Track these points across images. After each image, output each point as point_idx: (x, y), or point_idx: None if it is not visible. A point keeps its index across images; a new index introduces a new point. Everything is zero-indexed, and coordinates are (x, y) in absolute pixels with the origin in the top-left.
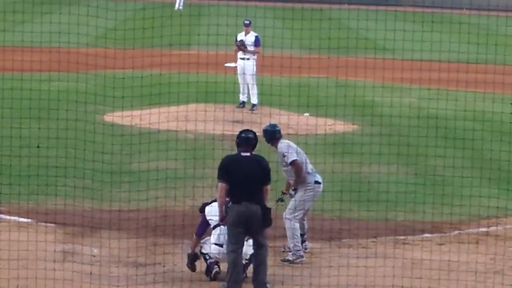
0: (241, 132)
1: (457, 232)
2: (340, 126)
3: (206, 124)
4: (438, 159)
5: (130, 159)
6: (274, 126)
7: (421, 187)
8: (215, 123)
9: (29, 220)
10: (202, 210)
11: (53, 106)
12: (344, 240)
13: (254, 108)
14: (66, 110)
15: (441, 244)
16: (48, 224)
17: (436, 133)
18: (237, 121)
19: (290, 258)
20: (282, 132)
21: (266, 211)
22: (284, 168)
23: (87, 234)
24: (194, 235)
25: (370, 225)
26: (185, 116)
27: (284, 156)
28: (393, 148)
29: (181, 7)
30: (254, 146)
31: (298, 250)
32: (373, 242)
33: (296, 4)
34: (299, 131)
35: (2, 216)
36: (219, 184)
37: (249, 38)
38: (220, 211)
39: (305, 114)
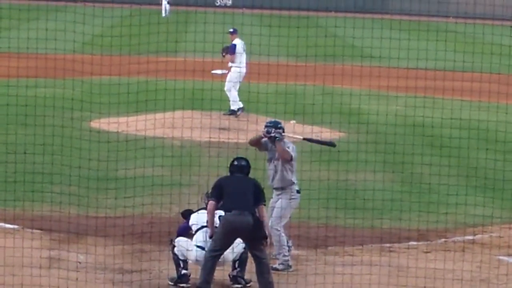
0: (234, 160)
1: (443, 240)
2: (326, 134)
3: (193, 131)
4: (424, 167)
5: (117, 166)
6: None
7: (407, 195)
8: (201, 130)
9: (15, 226)
10: (185, 216)
11: (39, 112)
12: (330, 247)
13: (230, 114)
14: (53, 117)
15: (427, 252)
16: (34, 231)
17: (422, 141)
18: (224, 128)
19: (278, 267)
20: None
21: (258, 223)
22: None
23: (73, 241)
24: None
25: (356, 233)
26: (172, 123)
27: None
28: (380, 155)
29: (167, 14)
30: (248, 173)
31: (286, 260)
32: (359, 249)
33: (283, 12)
34: (286, 138)
35: None
36: (210, 201)
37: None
38: (211, 227)
39: (291, 122)
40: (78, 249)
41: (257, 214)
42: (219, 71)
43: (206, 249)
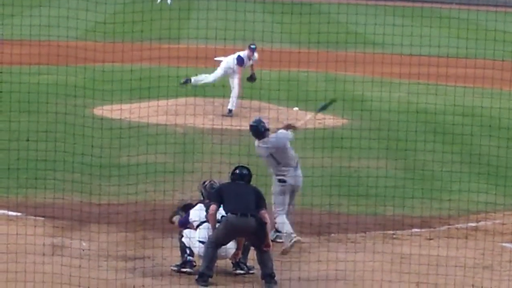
0: (235, 168)
1: (446, 227)
2: (329, 121)
3: (196, 118)
4: (427, 153)
5: (119, 153)
6: (259, 121)
7: (410, 182)
8: (204, 117)
9: (18, 213)
10: (185, 209)
11: (42, 99)
12: (333, 234)
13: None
14: (55, 104)
15: (430, 239)
16: (37, 218)
17: (425, 127)
18: (226, 115)
19: (288, 244)
20: (272, 126)
21: (262, 226)
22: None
23: (76, 228)
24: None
25: (359, 220)
26: (175, 110)
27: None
28: (383, 142)
29: (169, 1)
30: (249, 181)
31: (291, 233)
32: (362, 236)
33: None
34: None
35: None
36: (211, 205)
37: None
38: (213, 229)
39: (294, 108)
40: (81, 236)
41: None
42: (222, 58)
43: None
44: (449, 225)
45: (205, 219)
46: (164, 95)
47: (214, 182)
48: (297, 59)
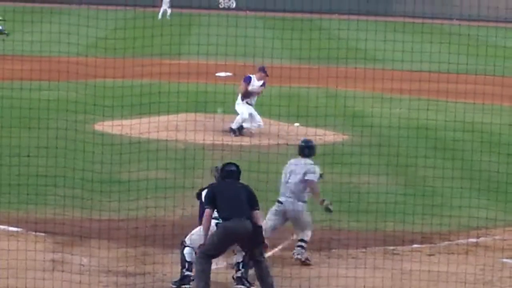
0: (224, 165)
1: (446, 242)
2: (330, 137)
3: (196, 134)
4: (427, 169)
5: (120, 169)
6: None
7: (410, 198)
8: (205, 133)
9: (19, 229)
10: (199, 196)
11: (43, 115)
12: (333, 250)
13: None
14: (56, 119)
15: (430, 255)
16: (38, 233)
17: (426, 143)
18: (227, 131)
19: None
20: (272, 142)
21: (257, 228)
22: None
23: (77, 244)
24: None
25: (359, 236)
26: (175, 125)
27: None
28: (383, 158)
29: (168, 17)
30: (238, 178)
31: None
32: (363, 252)
33: (286, 14)
34: (289, 141)
35: None
36: (206, 210)
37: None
38: (206, 235)
39: (295, 124)
40: (82, 252)
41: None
42: (223, 74)
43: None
44: (450, 241)
45: None
46: (164, 110)
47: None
48: (297, 74)
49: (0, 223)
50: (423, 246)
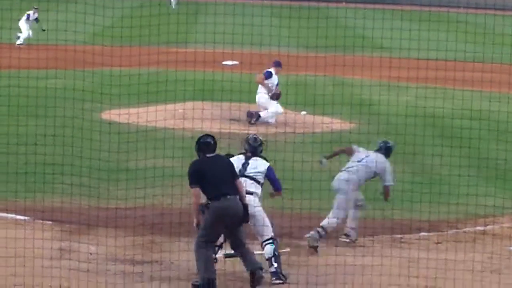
0: (199, 138)
1: (454, 230)
2: (337, 125)
3: (203, 122)
4: (435, 157)
5: (128, 157)
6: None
7: (418, 186)
8: (212, 121)
9: (26, 217)
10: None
11: (50, 103)
12: (341, 238)
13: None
14: (63, 108)
15: (438, 243)
16: (45, 222)
17: (433, 131)
18: (234, 119)
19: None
20: (279, 130)
21: (244, 205)
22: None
23: (84, 232)
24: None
25: (367, 224)
26: (182, 114)
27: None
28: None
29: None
30: (214, 150)
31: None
32: (370, 240)
33: (293, 2)
34: (296, 129)
35: (0, 213)
36: (193, 189)
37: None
38: (196, 216)
39: (302, 113)
40: (89, 240)
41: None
42: (229, 62)
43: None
44: (457, 229)
45: (238, 173)
46: (171, 99)
47: (256, 135)
48: (304, 63)
49: (7, 212)
50: (431, 234)
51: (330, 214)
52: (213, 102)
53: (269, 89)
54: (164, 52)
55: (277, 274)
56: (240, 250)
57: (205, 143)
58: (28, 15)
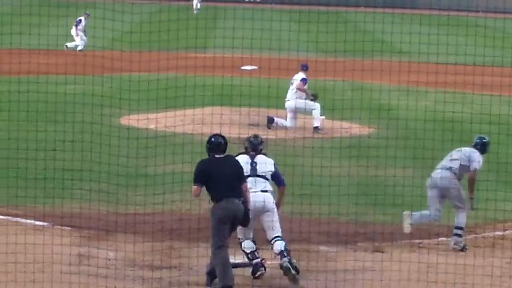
0: (211, 137)
1: (472, 235)
2: (356, 129)
3: (222, 127)
4: None
5: (146, 162)
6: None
7: None
8: (231, 126)
9: (45, 223)
10: None
11: (69, 109)
12: (360, 243)
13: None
14: (82, 113)
15: None
16: (64, 227)
17: (452, 136)
18: (253, 124)
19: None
20: (298, 135)
21: (246, 209)
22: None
23: (103, 238)
24: None
25: (386, 229)
26: (201, 119)
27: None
28: (409, 151)
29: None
30: (225, 150)
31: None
32: (389, 245)
33: (312, 7)
34: (315, 134)
35: (18, 219)
36: (194, 187)
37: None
38: None
39: (321, 117)
40: (108, 246)
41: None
42: (248, 67)
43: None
44: (476, 234)
45: (249, 173)
46: (190, 104)
47: (258, 135)
48: (323, 67)
49: (26, 217)
50: (449, 239)
51: (430, 211)
52: (232, 107)
53: (307, 94)
54: (183, 57)
55: (291, 264)
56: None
57: (217, 143)
58: (80, 20)
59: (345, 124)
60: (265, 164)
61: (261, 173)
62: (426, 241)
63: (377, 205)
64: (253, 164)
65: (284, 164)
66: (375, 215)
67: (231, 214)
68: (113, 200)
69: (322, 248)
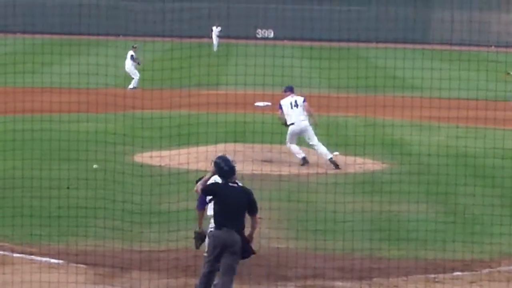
0: (222, 163)
1: (488, 270)
2: (369, 165)
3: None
4: (467, 197)
5: (160, 200)
6: None
7: (451, 226)
8: (244, 163)
9: (60, 261)
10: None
11: (82, 147)
12: (375, 279)
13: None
14: (95, 151)
15: (472, 282)
16: (79, 265)
17: (465, 171)
18: (266, 161)
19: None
20: (312, 171)
21: (244, 241)
22: None
23: (118, 275)
24: (196, 209)
25: (400, 264)
26: (214, 156)
27: None
28: (423, 186)
29: (215, 48)
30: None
31: None
32: (404, 280)
33: (323, 43)
34: (329, 170)
35: (33, 257)
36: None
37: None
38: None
39: (334, 153)
40: (123, 284)
41: (251, 224)
42: (261, 103)
43: None
44: (491, 268)
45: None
46: (203, 141)
47: (226, 156)
48: (336, 103)
49: (41, 255)
50: (465, 273)
51: None
52: (245, 144)
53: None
54: (195, 94)
55: None
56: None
57: (231, 170)
58: (132, 55)
59: (359, 160)
60: None
61: None
62: (441, 275)
63: (391, 240)
64: None
65: (298, 200)
66: (390, 250)
67: (220, 244)
68: (127, 237)
69: (337, 284)
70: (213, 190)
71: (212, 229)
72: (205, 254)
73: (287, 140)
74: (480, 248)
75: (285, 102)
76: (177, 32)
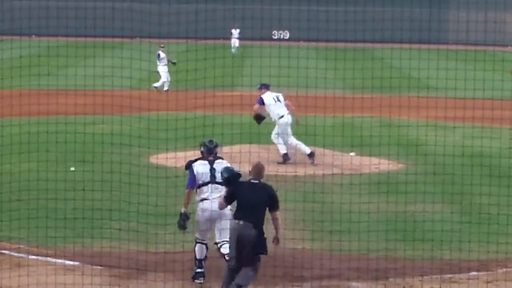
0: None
1: (504, 269)
2: (385, 165)
3: (250, 165)
4: (483, 197)
5: (175, 201)
6: None
7: (466, 225)
8: None
9: (76, 262)
10: (187, 167)
11: (97, 149)
12: (390, 279)
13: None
14: (111, 153)
15: (488, 282)
16: (94, 267)
17: (481, 171)
18: (281, 161)
19: None
20: (327, 172)
21: (262, 237)
22: None
23: (133, 277)
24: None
25: (416, 264)
26: (230, 157)
27: None
28: (438, 186)
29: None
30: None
31: None
32: (420, 280)
33: (338, 44)
34: (344, 171)
35: (49, 259)
36: (220, 200)
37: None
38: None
39: (350, 154)
40: (138, 285)
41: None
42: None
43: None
44: (507, 267)
45: (208, 180)
46: (219, 142)
47: (212, 139)
48: (351, 104)
49: (57, 257)
50: (481, 273)
51: None
52: (260, 145)
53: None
54: (211, 95)
55: None
56: (234, 274)
57: (260, 168)
58: (158, 54)
59: (374, 160)
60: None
61: (219, 180)
62: (457, 275)
63: (407, 240)
64: (212, 171)
65: (313, 201)
66: (405, 251)
67: (239, 236)
68: (143, 239)
69: (353, 284)
70: (234, 194)
71: (199, 213)
72: (197, 235)
73: (275, 133)
74: (496, 248)
75: (268, 97)
76: (192, 33)
